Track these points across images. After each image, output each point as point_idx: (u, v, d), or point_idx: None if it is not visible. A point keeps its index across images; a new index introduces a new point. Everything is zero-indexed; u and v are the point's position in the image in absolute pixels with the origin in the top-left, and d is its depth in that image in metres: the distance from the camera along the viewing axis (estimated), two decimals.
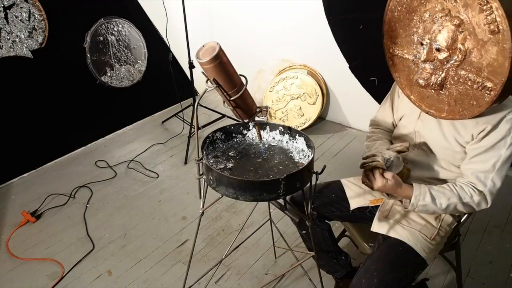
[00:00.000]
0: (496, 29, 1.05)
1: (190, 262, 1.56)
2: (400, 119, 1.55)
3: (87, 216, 2.43)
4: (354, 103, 3.27)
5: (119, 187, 2.71)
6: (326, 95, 3.30)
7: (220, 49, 1.13)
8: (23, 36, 2.65)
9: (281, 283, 1.97)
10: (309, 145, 1.39)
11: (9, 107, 2.70)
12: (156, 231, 2.33)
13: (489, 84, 1.13)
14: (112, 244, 2.24)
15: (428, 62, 1.24)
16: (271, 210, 1.93)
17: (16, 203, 2.55)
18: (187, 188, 2.69)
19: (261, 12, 3.36)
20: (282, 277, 1.99)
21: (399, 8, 1.31)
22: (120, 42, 3.24)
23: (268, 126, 1.50)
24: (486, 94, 1.14)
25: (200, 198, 1.39)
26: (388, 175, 1.29)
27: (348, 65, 3.09)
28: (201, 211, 1.41)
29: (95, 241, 2.25)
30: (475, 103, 1.19)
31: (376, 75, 2.98)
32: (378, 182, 1.29)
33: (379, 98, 3.06)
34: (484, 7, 1.06)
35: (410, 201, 1.32)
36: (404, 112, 1.52)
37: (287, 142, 1.47)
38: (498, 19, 1.03)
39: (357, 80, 3.10)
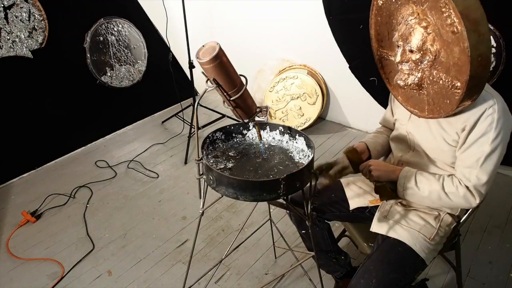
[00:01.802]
0: (455, 29, 1.09)
1: (190, 262, 1.56)
2: (396, 121, 1.57)
3: (87, 216, 2.44)
4: (354, 103, 3.26)
5: (119, 187, 2.71)
6: (326, 95, 3.30)
7: (220, 49, 1.13)
8: (23, 36, 2.65)
9: (281, 283, 1.97)
10: (309, 145, 1.39)
11: (9, 107, 2.70)
12: (156, 231, 2.33)
13: (457, 83, 1.16)
14: (112, 244, 2.24)
15: (403, 63, 1.28)
16: (271, 210, 1.93)
17: (16, 203, 2.55)
18: (187, 188, 2.69)
19: (261, 12, 3.35)
20: (282, 277, 1.99)
21: (381, 13, 1.35)
22: (120, 42, 3.24)
23: (268, 126, 1.50)
24: (456, 93, 1.18)
25: (200, 198, 1.39)
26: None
27: (348, 65, 3.09)
28: (201, 211, 1.41)
29: (95, 241, 2.25)
30: (448, 101, 1.23)
31: (376, 75, 2.98)
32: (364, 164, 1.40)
33: (379, 98, 3.06)
34: (443, 9, 1.10)
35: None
36: (398, 114, 1.54)
37: (287, 142, 1.47)
38: (456, 20, 1.07)
39: (357, 80, 3.10)
